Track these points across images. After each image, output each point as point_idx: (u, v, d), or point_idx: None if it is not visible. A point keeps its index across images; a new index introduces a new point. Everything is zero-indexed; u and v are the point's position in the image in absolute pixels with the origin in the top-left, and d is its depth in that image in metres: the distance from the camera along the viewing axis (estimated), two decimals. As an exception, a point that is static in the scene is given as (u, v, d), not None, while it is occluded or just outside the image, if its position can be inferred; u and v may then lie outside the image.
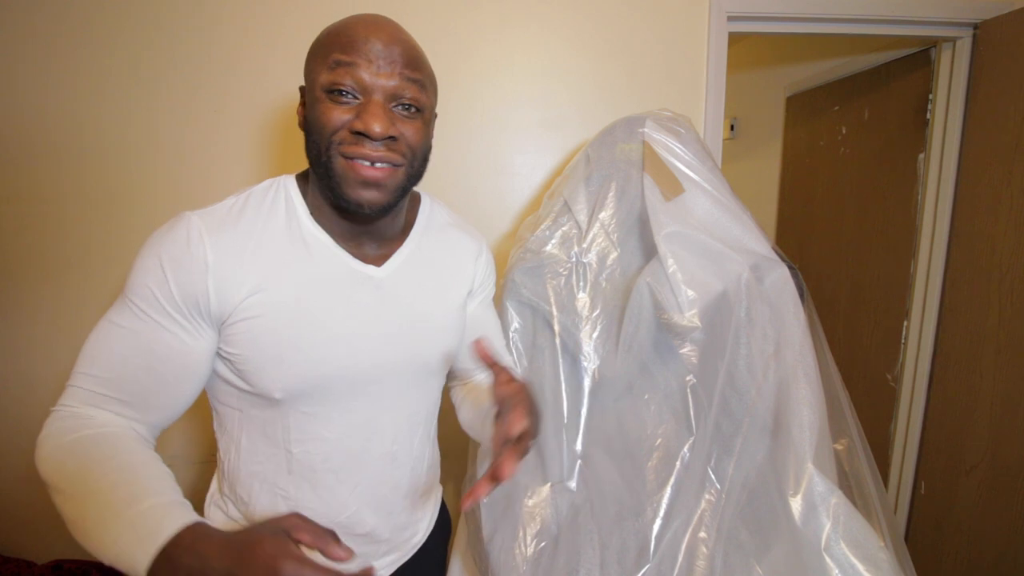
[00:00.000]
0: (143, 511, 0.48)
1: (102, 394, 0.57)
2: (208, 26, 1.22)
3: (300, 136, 0.62)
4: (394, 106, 0.59)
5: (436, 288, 0.73)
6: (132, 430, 0.58)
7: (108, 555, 0.47)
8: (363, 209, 0.59)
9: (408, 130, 0.60)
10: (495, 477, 0.50)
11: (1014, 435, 1.35)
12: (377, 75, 0.56)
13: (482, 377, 0.85)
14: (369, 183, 0.58)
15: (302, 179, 0.67)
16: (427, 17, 1.25)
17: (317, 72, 0.58)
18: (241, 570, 0.44)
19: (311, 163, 0.61)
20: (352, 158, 0.57)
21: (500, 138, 1.31)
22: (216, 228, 0.58)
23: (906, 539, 1.66)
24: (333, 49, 0.56)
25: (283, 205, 0.63)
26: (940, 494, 1.56)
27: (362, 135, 0.56)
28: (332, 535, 0.49)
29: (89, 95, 1.23)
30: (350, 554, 0.49)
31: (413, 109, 0.60)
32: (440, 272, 0.74)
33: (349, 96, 0.56)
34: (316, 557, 0.48)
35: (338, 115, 0.56)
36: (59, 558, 1.36)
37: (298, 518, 0.50)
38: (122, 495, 0.49)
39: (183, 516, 0.48)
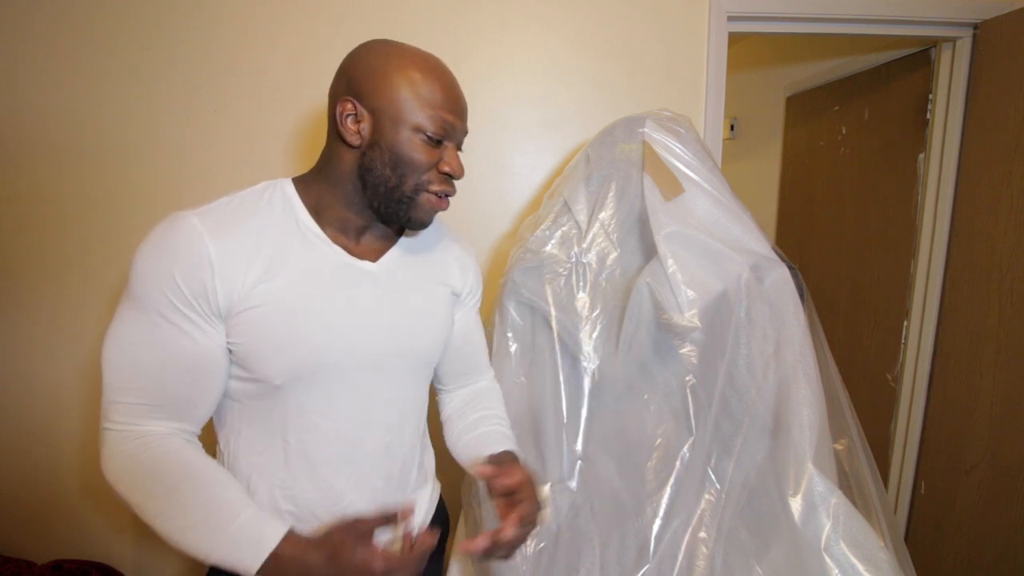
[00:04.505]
0: (240, 526, 0.58)
1: (144, 404, 0.60)
2: (208, 26, 1.22)
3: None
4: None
5: (426, 283, 0.77)
6: (187, 442, 0.63)
7: (213, 561, 0.57)
8: (424, 227, 0.70)
9: None
10: (496, 539, 0.63)
11: (1014, 435, 1.35)
12: (460, 130, 0.69)
13: (471, 391, 0.89)
14: (435, 212, 0.69)
15: (299, 182, 0.69)
16: (427, 17, 1.25)
17: (411, 112, 0.64)
18: (341, 572, 0.58)
19: (379, 184, 0.65)
20: (440, 195, 0.68)
21: (500, 138, 1.31)
22: (215, 226, 0.60)
23: (906, 539, 1.66)
24: (433, 99, 0.64)
25: (280, 204, 0.66)
26: (940, 494, 1.56)
27: (448, 176, 0.68)
28: (386, 512, 0.63)
29: (89, 95, 1.23)
30: (412, 506, 0.65)
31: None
32: (430, 269, 0.78)
33: (437, 140, 0.66)
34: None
35: (429, 157, 0.65)
36: (59, 558, 1.36)
37: (360, 520, 0.62)
38: (217, 515, 0.58)
39: (275, 527, 0.60)
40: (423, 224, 0.70)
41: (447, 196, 0.70)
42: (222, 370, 0.63)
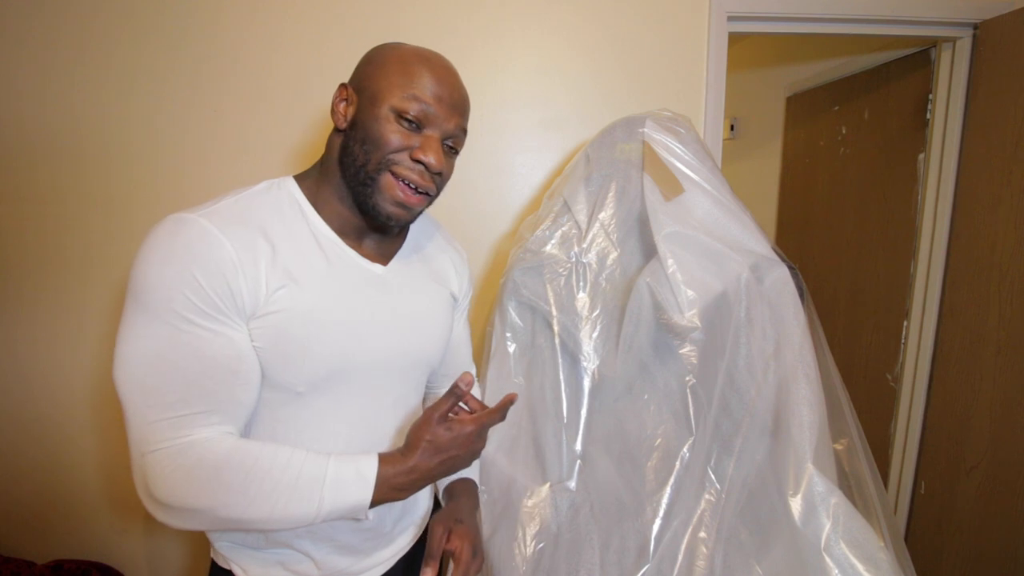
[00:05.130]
0: (335, 472, 0.58)
1: (190, 414, 0.56)
2: (208, 26, 1.22)
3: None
4: (443, 144, 0.66)
5: (431, 287, 0.77)
6: (238, 438, 0.60)
7: (323, 517, 0.57)
8: (389, 221, 0.65)
9: (448, 167, 0.68)
10: None
11: (1014, 435, 1.35)
12: (443, 119, 0.64)
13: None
14: (404, 205, 0.65)
15: (303, 179, 0.69)
16: (427, 17, 1.25)
17: (390, 91, 0.62)
18: (449, 453, 0.61)
19: (349, 163, 0.64)
20: (402, 179, 0.63)
21: (500, 138, 1.31)
22: (228, 226, 0.57)
23: (906, 539, 1.65)
24: (413, 82, 0.62)
25: (287, 204, 0.65)
26: (940, 494, 1.56)
27: (419, 163, 0.64)
28: (453, 390, 0.63)
29: (89, 95, 1.23)
30: (469, 375, 0.63)
31: (453, 151, 0.69)
32: (433, 271, 0.79)
33: (413, 125, 0.63)
34: None
35: (401, 138, 0.62)
36: (59, 558, 1.36)
37: (433, 408, 0.63)
38: (306, 474, 0.57)
39: (367, 457, 0.60)
40: (390, 217, 0.65)
41: (420, 191, 0.65)
42: (255, 369, 0.60)
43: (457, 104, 0.66)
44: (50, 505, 1.38)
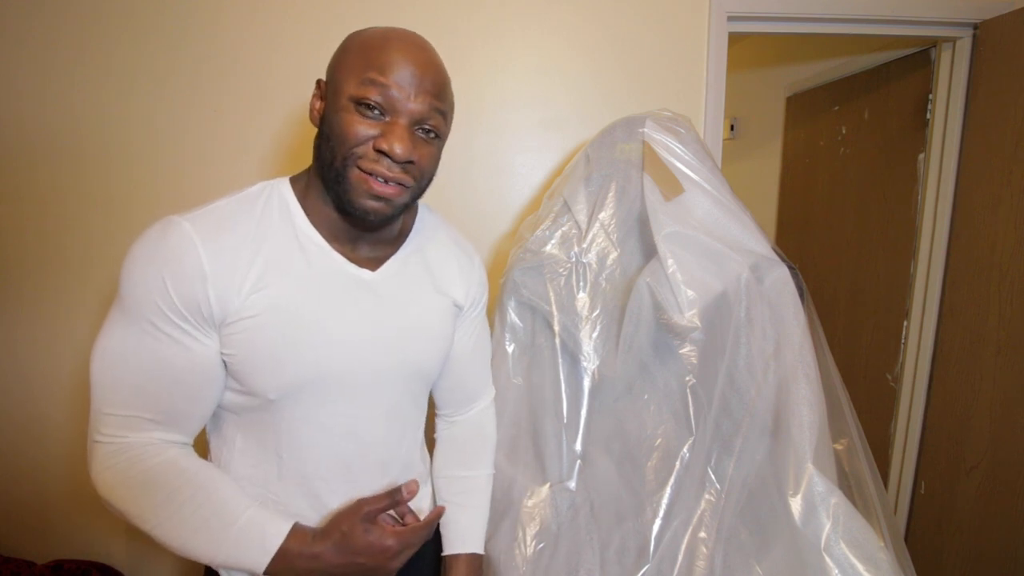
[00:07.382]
0: (243, 526, 0.57)
1: (134, 417, 0.58)
2: (208, 26, 1.22)
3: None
4: (416, 130, 0.60)
5: (428, 294, 0.73)
6: (181, 449, 0.62)
7: (219, 564, 0.58)
8: (368, 216, 0.60)
9: (424, 154, 0.61)
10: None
11: (1014, 435, 1.35)
12: (407, 100, 0.58)
13: (467, 428, 0.86)
14: (379, 197, 0.59)
15: (296, 182, 0.66)
16: (427, 18, 1.25)
17: (347, 80, 0.58)
18: (358, 559, 0.59)
19: (321, 164, 0.61)
20: (369, 173, 0.58)
21: (500, 138, 1.31)
22: (210, 233, 0.57)
23: (906, 539, 1.65)
24: (369, 65, 0.57)
25: (277, 208, 0.63)
26: (940, 494, 1.56)
27: (383, 154, 0.58)
28: (393, 493, 0.62)
29: (89, 95, 1.23)
30: (416, 484, 0.63)
31: (432, 135, 0.62)
32: (433, 279, 0.74)
33: (376, 112, 0.57)
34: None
35: (363, 129, 0.57)
36: (59, 558, 1.36)
37: (364, 502, 0.61)
38: (218, 518, 0.57)
39: (278, 524, 0.59)
40: (367, 212, 0.60)
41: (389, 180, 0.59)
42: (217, 380, 0.61)
43: (423, 82, 0.59)
44: (50, 505, 1.38)
